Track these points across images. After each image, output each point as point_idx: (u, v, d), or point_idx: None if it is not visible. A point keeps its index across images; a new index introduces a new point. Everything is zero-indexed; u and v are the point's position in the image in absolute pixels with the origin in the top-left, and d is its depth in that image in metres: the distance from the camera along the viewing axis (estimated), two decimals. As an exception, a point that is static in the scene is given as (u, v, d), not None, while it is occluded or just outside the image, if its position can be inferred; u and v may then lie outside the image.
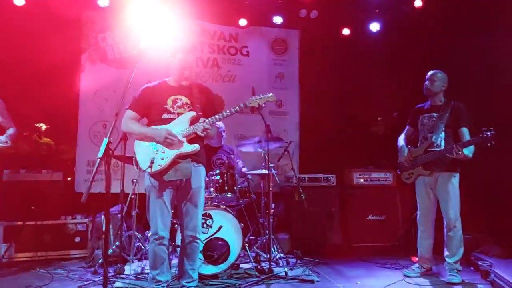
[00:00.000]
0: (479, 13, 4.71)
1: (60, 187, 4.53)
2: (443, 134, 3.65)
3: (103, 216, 4.22)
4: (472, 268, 3.96)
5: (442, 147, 3.60)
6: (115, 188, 4.13)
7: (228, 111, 2.99)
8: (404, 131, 4.03)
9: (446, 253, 3.66)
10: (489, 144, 3.25)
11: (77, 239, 4.32)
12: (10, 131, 3.74)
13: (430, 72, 3.80)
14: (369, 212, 4.89)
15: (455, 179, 3.65)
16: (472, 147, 3.48)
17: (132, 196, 4.08)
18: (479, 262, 3.80)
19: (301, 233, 4.71)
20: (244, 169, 4.56)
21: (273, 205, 4.95)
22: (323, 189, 4.91)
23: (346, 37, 5.82)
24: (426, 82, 3.79)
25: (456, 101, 3.74)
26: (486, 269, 3.62)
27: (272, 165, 4.08)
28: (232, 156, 4.68)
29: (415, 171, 3.80)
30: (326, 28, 5.74)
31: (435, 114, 3.73)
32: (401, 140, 3.98)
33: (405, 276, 3.79)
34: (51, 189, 4.42)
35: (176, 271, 3.23)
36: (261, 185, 4.40)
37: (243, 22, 5.63)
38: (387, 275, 3.84)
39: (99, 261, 3.86)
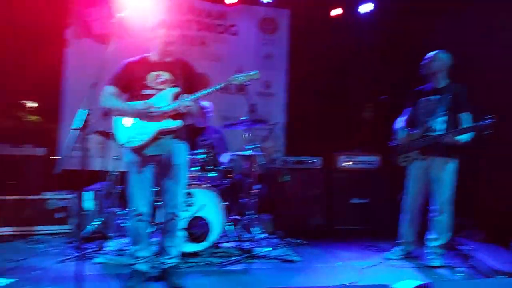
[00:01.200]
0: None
1: (42, 163, 4.45)
2: (442, 119, 3.55)
3: (87, 192, 4.20)
4: (454, 252, 4.00)
5: (440, 132, 3.53)
6: (102, 166, 4.12)
7: (211, 88, 2.94)
8: (403, 113, 3.94)
9: (430, 236, 3.66)
10: (486, 132, 3.20)
11: (59, 215, 4.27)
12: None
13: (433, 52, 3.69)
14: (353, 195, 4.91)
15: (452, 165, 3.59)
16: (470, 133, 3.41)
17: (115, 173, 4.04)
18: (460, 247, 3.84)
19: (285, 214, 4.71)
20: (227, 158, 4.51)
21: (259, 186, 4.99)
22: (308, 171, 4.90)
23: (337, 18, 5.73)
24: (425, 61, 3.69)
25: (460, 84, 3.61)
26: (467, 253, 3.67)
27: (258, 145, 4.06)
28: (217, 136, 4.65)
29: (411, 154, 3.75)
30: (317, 8, 5.64)
31: (434, 97, 3.63)
32: (399, 123, 3.91)
33: (386, 259, 3.82)
34: (33, 164, 4.35)
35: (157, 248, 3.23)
36: (245, 166, 4.37)
37: (231, -1, 5.53)
38: (368, 257, 3.88)
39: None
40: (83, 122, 2.08)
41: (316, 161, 4.94)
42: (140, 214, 2.93)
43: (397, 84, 4.07)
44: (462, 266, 3.59)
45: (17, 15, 4.78)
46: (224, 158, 4.46)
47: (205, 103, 4.72)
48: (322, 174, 4.93)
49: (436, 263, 3.56)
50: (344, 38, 5.70)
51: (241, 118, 4.20)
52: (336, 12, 5.70)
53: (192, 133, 4.53)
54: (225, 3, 5.57)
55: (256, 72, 3.11)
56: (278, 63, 5.88)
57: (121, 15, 2.61)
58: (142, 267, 2.97)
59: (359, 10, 5.58)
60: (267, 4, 5.67)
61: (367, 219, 4.82)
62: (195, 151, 3.95)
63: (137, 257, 2.97)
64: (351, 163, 4.97)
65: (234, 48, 5.75)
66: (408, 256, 3.85)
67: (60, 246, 3.84)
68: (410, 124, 3.85)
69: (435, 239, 3.63)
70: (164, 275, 3.01)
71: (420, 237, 3.82)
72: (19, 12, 4.79)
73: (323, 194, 4.87)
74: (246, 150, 4.18)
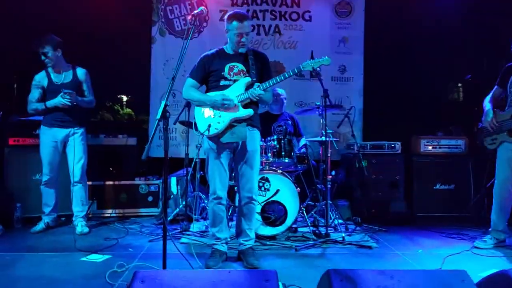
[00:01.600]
0: None
1: (135, 151, 4.92)
2: None
3: (171, 178, 4.56)
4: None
5: None
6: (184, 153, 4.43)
7: (281, 76, 3.01)
8: (492, 92, 3.69)
9: None
10: None
11: (150, 198, 4.71)
12: (88, 98, 4.08)
13: None
14: (437, 181, 4.68)
15: None
16: None
17: (197, 160, 4.33)
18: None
19: (362, 200, 4.65)
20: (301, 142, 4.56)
21: (333, 172, 4.97)
22: (388, 156, 4.76)
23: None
24: None
25: None
26: None
27: (331, 131, 4.05)
28: (292, 122, 4.72)
29: (499, 136, 3.52)
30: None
31: None
32: (487, 103, 3.66)
33: (475, 247, 3.61)
34: (127, 153, 4.84)
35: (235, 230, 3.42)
36: (320, 152, 4.40)
37: (305, -14, 5.50)
38: (452, 245, 3.70)
39: (168, 219, 4.20)
40: (162, 112, 2.27)
41: (396, 146, 4.78)
42: (218, 198, 3.12)
43: (482, 64, 3.78)
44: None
45: (108, 15, 5.28)
46: (299, 144, 4.53)
47: (280, 90, 4.82)
48: (403, 159, 4.77)
49: (529, 253, 3.30)
50: (422, 18, 5.38)
51: (316, 104, 4.22)
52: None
53: (268, 120, 4.68)
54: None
55: (326, 58, 3.11)
56: (354, 47, 5.71)
57: (198, 11, 2.74)
58: (221, 247, 3.18)
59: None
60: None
61: (452, 206, 4.58)
62: (270, 138, 4.06)
63: (217, 238, 3.18)
64: (434, 147, 4.73)
65: (309, 34, 5.71)
66: (499, 245, 3.60)
67: (151, 227, 4.23)
68: (499, 103, 3.59)
69: (528, 228, 3.36)
70: (241, 255, 3.19)
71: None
72: (110, 12, 5.29)
73: (404, 180, 4.72)
74: (321, 136, 4.20)
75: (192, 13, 2.75)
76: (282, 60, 5.69)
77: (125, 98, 6.22)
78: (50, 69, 3.96)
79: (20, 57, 4.80)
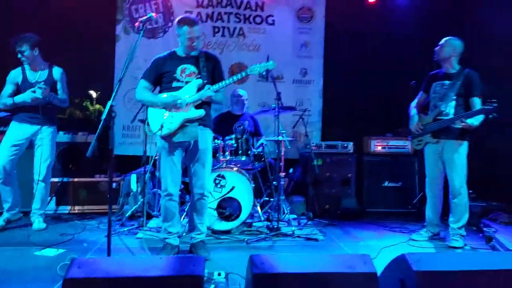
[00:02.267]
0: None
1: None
2: (453, 103, 3.66)
3: (131, 175, 4.68)
4: (481, 234, 4.01)
5: (451, 116, 3.63)
6: (148, 151, 4.53)
7: (231, 78, 3.21)
8: (417, 98, 4.04)
9: (450, 218, 3.75)
10: (490, 116, 3.26)
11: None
12: (62, 96, 4.11)
13: (444, 38, 3.77)
14: (386, 179, 4.98)
15: (463, 147, 3.67)
16: (481, 117, 3.48)
17: (157, 158, 4.46)
18: (485, 229, 3.85)
19: (316, 197, 4.90)
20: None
21: (291, 169, 5.20)
22: (341, 156, 5.03)
23: (372, 5, 5.75)
24: (437, 47, 3.79)
25: (470, 70, 3.69)
26: (490, 235, 3.67)
27: (284, 131, 4.27)
28: (251, 122, 4.91)
29: (424, 138, 3.85)
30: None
31: (447, 82, 3.73)
32: (412, 108, 4.02)
33: (412, 239, 3.91)
34: (87, 150, 4.89)
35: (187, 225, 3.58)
36: (276, 151, 4.60)
37: (268, -10, 5.70)
38: (393, 237, 3.99)
39: (126, 215, 4.33)
40: (107, 112, 2.42)
41: (348, 146, 5.05)
42: (170, 194, 3.28)
43: (425, 70, 4.13)
44: (484, 247, 3.61)
45: (73, 15, 5.36)
46: (258, 143, 4.72)
47: (242, 92, 5.02)
48: (355, 158, 5.04)
49: (457, 244, 3.63)
50: (376, 26, 5.71)
51: (271, 106, 4.42)
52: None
53: (229, 119, 4.86)
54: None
55: (271, 62, 3.32)
56: (315, 51, 5.95)
57: (146, 18, 2.88)
58: (173, 241, 3.34)
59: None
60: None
61: (399, 202, 4.89)
62: (228, 137, 4.23)
63: (168, 232, 3.34)
64: (384, 147, 5.03)
65: (272, 37, 5.91)
66: (433, 238, 3.92)
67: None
68: (424, 108, 3.95)
69: (455, 221, 3.70)
70: (192, 248, 3.37)
71: (446, 220, 3.86)
72: (75, 12, 5.37)
73: (355, 178, 5.00)
74: (277, 136, 4.40)
75: (140, 19, 2.87)
76: (246, 62, 5.86)
77: (94, 95, 6.24)
78: (26, 66, 4.01)
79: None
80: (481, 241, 3.83)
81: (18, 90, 4.00)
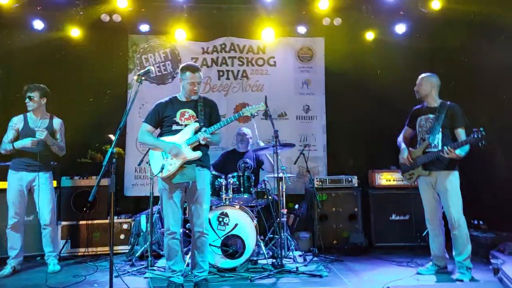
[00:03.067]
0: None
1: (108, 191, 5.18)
2: (440, 135, 3.74)
3: (141, 216, 4.83)
4: (490, 266, 3.92)
5: (440, 148, 3.69)
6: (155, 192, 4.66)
7: (225, 121, 3.41)
8: (402, 132, 4.14)
9: (454, 252, 3.72)
10: (480, 144, 3.31)
11: (122, 236, 4.95)
12: (61, 144, 4.37)
13: (420, 76, 3.91)
14: (392, 212, 4.97)
15: (454, 177, 3.71)
16: (467, 147, 3.56)
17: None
18: (492, 260, 3.78)
19: (323, 232, 4.90)
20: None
21: (296, 205, 5.25)
22: (345, 190, 5.08)
23: (371, 41, 5.96)
24: (415, 86, 3.94)
25: (451, 102, 3.81)
26: (498, 267, 3.60)
27: (285, 167, 4.38)
28: (253, 158, 5.05)
29: (415, 171, 3.90)
30: (351, 34, 5.95)
31: (431, 116, 3.83)
32: (400, 142, 4.09)
33: (419, 274, 3.87)
34: (101, 192, 5.09)
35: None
36: (278, 187, 4.69)
37: (269, 35, 5.96)
38: (398, 272, 3.95)
39: (136, 255, 4.44)
40: (108, 159, 2.61)
41: (353, 180, 5.10)
42: (172, 233, 3.40)
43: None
44: (491, 280, 3.53)
45: (89, 66, 5.81)
46: (260, 180, 4.85)
47: (246, 130, 5.22)
48: (360, 192, 5.07)
49: (463, 277, 3.57)
50: (378, 60, 5.90)
51: (271, 143, 4.56)
52: (369, 36, 5.91)
53: (234, 156, 5.02)
54: (265, 38, 6.02)
55: (262, 104, 3.53)
56: (316, 88, 6.16)
57: (144, 71, 3.15)
58: (177, 279, 3.43)
59: (395, 30, 5.79)
60: (303, 35, 6.04)
61: (407, 235, 4.83)
62: (230, 175, 4.37)
63: (172, 271, 3.43)
64: (389, 180, 5.06)
65: (274, 77, 6.17)
66: (440, 272, 3.86)
67: (121, 263, 4.45)
68: (411, 142, 4.06)
69: (458, 254, 3.67)
70: (196, 287, 3.44)
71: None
72: (90, 63, 5.82)
73: (362, 212, 5.01)
74: (278, 173, 4.51)
75: (138, 73, 3.13)
76: (250, 101, 6.02)
77: (113, 138, 6.50)
78: (29, 114, 4.28)
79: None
80: (489, 273, 3.75)
81: (17, 137, 4.20)
